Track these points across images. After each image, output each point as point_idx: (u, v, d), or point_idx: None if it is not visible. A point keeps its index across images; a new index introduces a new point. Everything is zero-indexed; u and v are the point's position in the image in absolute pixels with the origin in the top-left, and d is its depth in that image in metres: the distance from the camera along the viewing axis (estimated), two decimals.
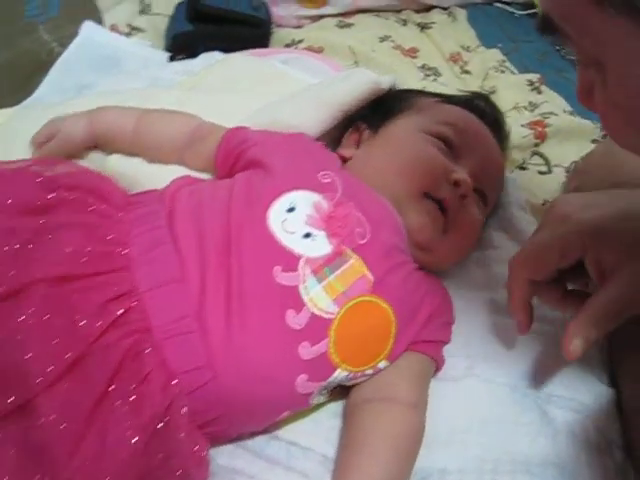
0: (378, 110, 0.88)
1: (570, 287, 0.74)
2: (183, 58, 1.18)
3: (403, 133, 0.83)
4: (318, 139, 0.87)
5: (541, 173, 1.10)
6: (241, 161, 0.79)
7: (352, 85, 0.88)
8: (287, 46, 1.28)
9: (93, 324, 0.57)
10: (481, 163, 0.82)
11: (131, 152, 0.85)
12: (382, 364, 0.70)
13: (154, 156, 0.84)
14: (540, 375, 0.78)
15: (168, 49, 1.23)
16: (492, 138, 0.88)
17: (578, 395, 0.76)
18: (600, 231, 0.66)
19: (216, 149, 0.81)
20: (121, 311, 0.60)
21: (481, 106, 0.94)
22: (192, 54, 1.18)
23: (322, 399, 0.70)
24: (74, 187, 0.67)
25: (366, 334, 0.68)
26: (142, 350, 0.59)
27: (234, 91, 1.01)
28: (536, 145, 1.14)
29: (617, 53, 0.44)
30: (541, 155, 1.13)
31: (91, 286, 0.60)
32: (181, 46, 1.19)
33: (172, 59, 1.17)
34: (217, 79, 1.04)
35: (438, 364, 0.75)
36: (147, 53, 1.21)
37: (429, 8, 1.54)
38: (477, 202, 0.82)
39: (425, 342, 0.73)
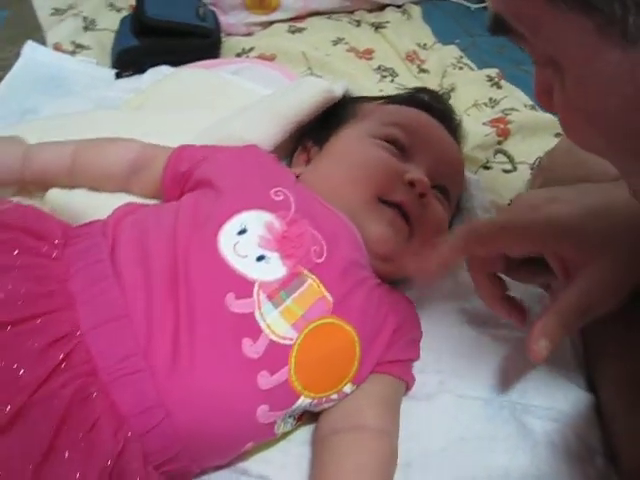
0: (323, 125, 0.85)
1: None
2: (130, 74, 1.13)
3: (349, 141, 0.81)
4: (273, 152, 0.84)
5: (506, 172, 1.08)
6: (190, 182, 0.75)
7: (304, 95, 0.85)
8: (238, 55, 1.24)
9: (33, 372, 0.53)
10: (436, 158, 0.79)
11: (73, 186, 0.80)
12: (348, 388, 0.66)
13: (98, 188, 0.80)
14: (515, 385, 0.75)
15: (114, 66, 1.19)
16: (443, 130, 0.85)
17: (556, 403, 0.73)
18: (567, 228, 0.64)
19: (162, 173, 0.77)
20: (63, 355, 0.55)
21: (425, 100, 0.92)
22: (139, 70, 1.13)
23: (288, 427, 0.67)
24: (6, 226, 0.63)
25: (329, 358, 0.65)
26: (89, 395, 0.55)
27: (183, 107, 0.97)
28: (499, 143, 1.12)
29: (573, 52, 0.41)
30: (505, 153, 1.11)
31: (29, 330, 0.56)
32: (127, 62, 1.15)
33: (119, 76, 1.13)
34: (165, 96, 1.00)
35: (408, 384, 0.72)
36: (93, 71, 1.16)
37: (382, 7, 1.51)
38: (439, 199, 0.79)
39: (392, 362, 0.70)
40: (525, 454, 0.69)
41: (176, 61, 1.14)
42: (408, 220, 0.74)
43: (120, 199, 0.77)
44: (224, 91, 1.01)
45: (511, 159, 1.09)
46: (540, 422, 0.72)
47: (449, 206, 0.82)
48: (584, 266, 0.62)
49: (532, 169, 1.06)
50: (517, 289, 0.74)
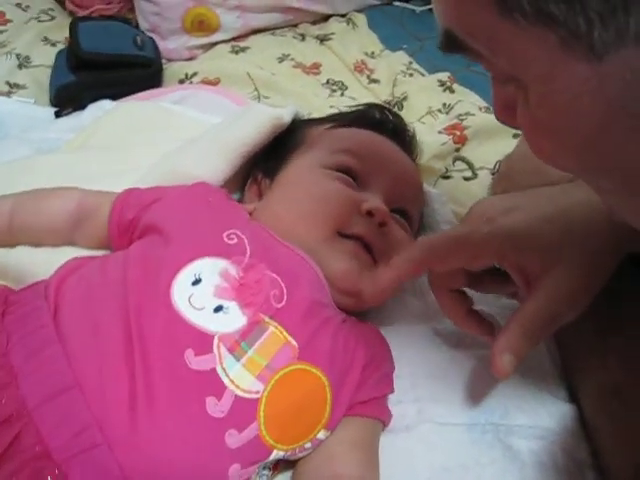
0: (271, 155, 0.82)
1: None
2: (70, 112, 1.09)
3: (300, 173, 0.78)
4: (224, 186, 0.81)
5: (466, 179, 1.05)
6: (138, 229, 0.71)
7: (251, 124, 0.81)
8: (181, 82, 1.19)
9: None
10: (392, 181, 0.77)
11: (14, 244, 0.76)
12: (321, 434, 0.63)
13: (41, 243, 0.75)
14: (496, 406, 0.72)
15: (53, 103, 1.14)
16: (396, 149, 0.83)
17: (540, 420, 0.71)
18: (524, 238, 0.62)
19: (108, 223, 0.73)
20: (10, 438, 0.51)
21: (375, 117, 0.89)
22: (79, 106, 1.08)
23: (264, 479, 0.63)
24: None
25: (299, 406, 0.62)
26: (44, 479, 0.51)
27: (126, 145, 0.93)
28: (457, 150, 1.09)
29: (536, 69, 0.38)
30: (463, 160, 1.08)
31: None
32: (66, 99, 1.10)
33: (58, 115, 1.08)
34: (106, 133, 0.96)
35: (384, 421, 0.69)
36: (31, 112, 1.11)
37: (326, 18, 1.47)
38: (400, 223, 0.77)
39: (365, 402, 0.66)
40: (514, 477, 0.67)
41: (117, 94, 1.10)
42: (370, 251, 0.72)
43: (65, 254, 0.72)
44: (168, 123, 0.97)
45: (471, 165, 1.06)
46: (526, 442, 0.69)
47: (411, 228, 0.80)
48: (544, 275, 0.60)
49: (493, 174, 1.03)
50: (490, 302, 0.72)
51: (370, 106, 0.95)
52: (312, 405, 0.62)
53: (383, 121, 0.89)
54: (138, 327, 0.58)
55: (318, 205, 0.72)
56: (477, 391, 0.74)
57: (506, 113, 0.45)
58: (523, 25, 0.36)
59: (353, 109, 0.96)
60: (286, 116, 0.83)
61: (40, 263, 0.72)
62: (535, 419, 0.71)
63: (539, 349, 0.78)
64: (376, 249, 0.72)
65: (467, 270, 0.67)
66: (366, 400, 0.66)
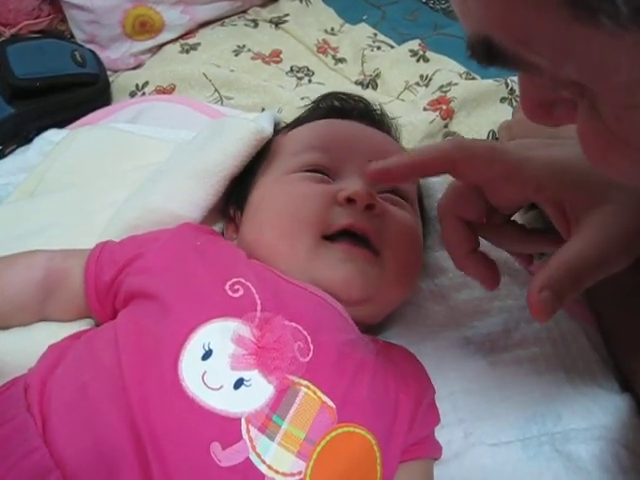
0: (239, 184, 0.73)
1: None
2: (15, 149, 0.97)
3: (265, 191, 0.68)
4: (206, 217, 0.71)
5: None
6: (120, 294, 0.61)
7: (228, 144, 0.70)
8: (132, 95, 1.07)
9: None
10: (367, 160, 0.66)
11: None
12: None
13: (8, 325, 0.63)
14: (546, 412, 0.67)
15: None
16: (364, 127, 0.74)
17: (595, 419, 0.66)
18: (567, 168, 0.54)
19: (84, 290, 0.62)
20: None
21: (333, 105, 0.81)
22: (25, 140, 0.97)
23: None
24: None
25: (347, 475, 0.53)
26: None
27: (87, 181, 0.81)
28: (446, 126, 1.01)
29: (619, 77, 0.31)
30: (454, 135, 1.01)
31: None
32: (7, 135, 0.98)
33: (3, 155, 0.96)
34: (61, 171, 0.83)
35: (437, 457, 0.62)
36: None
37: None
38: (395, 201, 0.68)
39: (415, 444, 0.59)
40: None
41: (64, 120, 0.99)
42: (368, 241, 0.63)
43: (39, 334, 0.62)
44: (129, 148, 0.85)
45: None
46: (585, 446, 0.64)
47: (411, 206, 0.71)
48: (589, 213, 0.52)
49: None
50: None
51: (323, 97, 0.85)
52: (361, 469, 0.54)
53: (344, 108, 0.80)
54: (148, 429, 0.48)
55: (291, 214, 0.63)
56: (521, 399, 0.68)
57: (540, 112, 0.40)
58: (608, 29, 0.29)
59: (307, 106, 0.86)
60: (267, 128, 0.72)
61: (9, 351, 0.61)
62: (590, 419, 0.66)
63: (578, 338, 0.74)
64: (374, 237, 0.63)
65: (484, 206, 0.59)
66: (417, 442, 0.60)
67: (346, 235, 0.63)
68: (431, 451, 0.61)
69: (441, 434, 0.64)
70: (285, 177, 0.67)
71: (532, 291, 0.50)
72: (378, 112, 0.82)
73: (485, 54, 0.35)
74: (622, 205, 0.52)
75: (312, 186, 0.65)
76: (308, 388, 0.53)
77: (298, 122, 0.78)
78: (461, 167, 0.57)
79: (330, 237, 0.63)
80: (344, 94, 0.84)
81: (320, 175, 0.67)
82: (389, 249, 0.64)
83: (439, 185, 0.84)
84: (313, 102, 0.87)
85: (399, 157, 0.58)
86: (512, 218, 0.64)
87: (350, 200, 0.63)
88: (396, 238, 0.65)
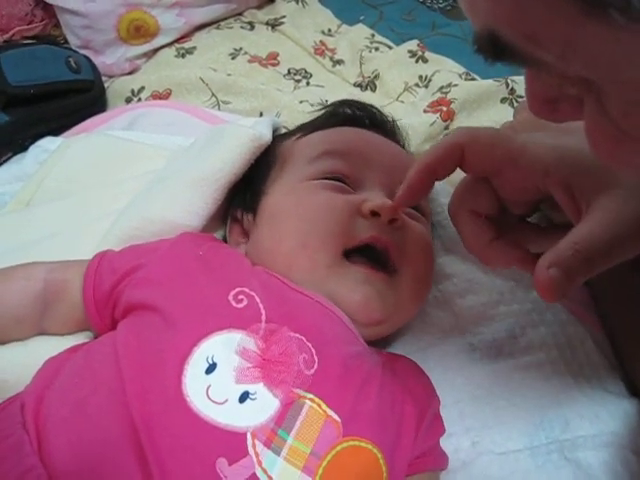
0: (246, 186, 0.71)
1: None
2: (10, 157, 0.96)
3: (282, 197, 0.67)
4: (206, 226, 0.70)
5: None
6: (120, 304, 0.59)
7: (226, 152, 0.69)
8: (128, 101, 1.06)
9: None
10: (387, 173, 0.67)
11: None
12: None
13: (6, 339, 0.62)
14: (554, 418, 0.67)
15: None
16: (382, 139, 0.73)
17: (603, 425, 0.65)
18: (574, 154, 0.53)
19: (83, 302, 0.61)
20: None
21: (348, 113, 0.79)
22: (20, 148, 0.95)
23: None
24: None
25: None
26: None
27: (84, 190, 0.80)
28: (447, 128, 1.00)
29: (629, 73, 0.31)
30: None
31: None
32: (2, 144, 0.96)
33: None
34: (58, 180, 0.82)
35: (442, 466, 0.61)
36: None
37: None
38: (413, 215, 0.68)
39: (421, 456, 0.58)
40: None
41: (60, 127, 0.98)
42: (387, 260, 0.62)
43: (37, 348, 0.61)
44: (126, 156, 0.84)
45: None
46: (594, 453, 0.64)
47: (425, 219, 0.70)
48: (599, 196, 0.51)
49: None
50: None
51: (338, 104, 0.84)
52: None
53: (357, 117, 0.78)
54: (152, 446, 0.47)
55: (314, 224, 0.62)
56: (528, 405, 0.68)
57: (547, 108, 0.40)
58: (619, 24, 0.28)
59: (321, 112, 0.84)
60: (265, 134, 0.70)
61: (6, 366, 0.60)
62: (598, 425, 0.66)
63: (585, 343, 0.73)
64: (393, 251, 0.63)
65: (495, 200, 0.58)
66: (423, 453, 0.59)
67: (366, 251, 0.62)
68: (437, 462, 0.61)
69: (448, 443, 0.63)
70: (303, 184, 0.66)
71: (540, 268, 0.48)
72: (390, 122, 0.81)
73: (492, 49, 0.34)
74: (632, 190, 0.50)
75: (335, 196, 0.64)
76: (313, 401, 0.52)
77: (310, 128, 0.76)
78: (468, 153, 0.56)
79: (350, 251, 0.62)
80: (359, 102, 0.83)
81: (340, 184, 0.66)
82: (407, 265, 0.63)
83: (441, 189, 0.83)
84: (323, 107, 0.86)
85: (414, 168, 0.57)
86: None
87: (374, 213, 0.62)
88: (415, 253, 0.65)
